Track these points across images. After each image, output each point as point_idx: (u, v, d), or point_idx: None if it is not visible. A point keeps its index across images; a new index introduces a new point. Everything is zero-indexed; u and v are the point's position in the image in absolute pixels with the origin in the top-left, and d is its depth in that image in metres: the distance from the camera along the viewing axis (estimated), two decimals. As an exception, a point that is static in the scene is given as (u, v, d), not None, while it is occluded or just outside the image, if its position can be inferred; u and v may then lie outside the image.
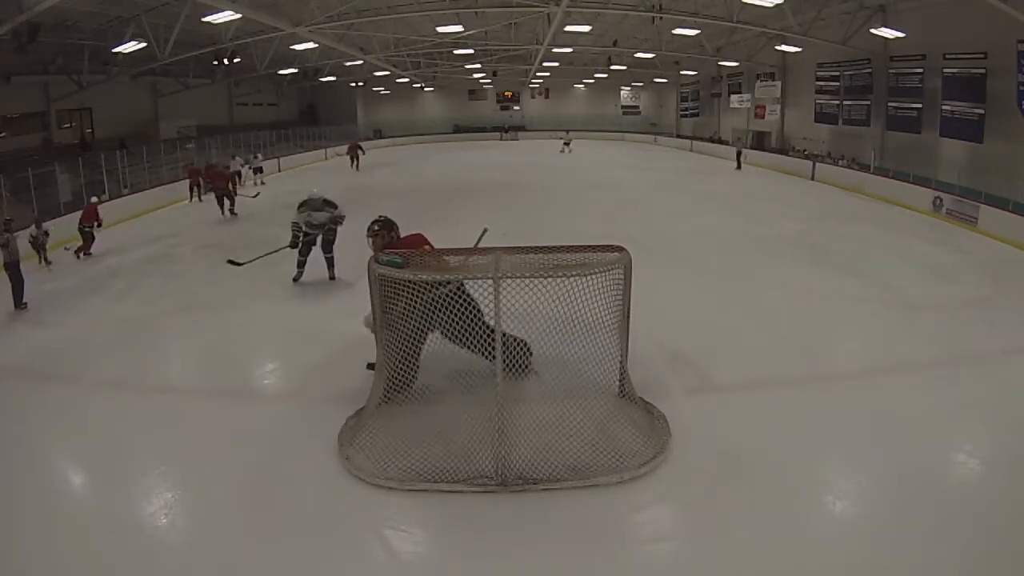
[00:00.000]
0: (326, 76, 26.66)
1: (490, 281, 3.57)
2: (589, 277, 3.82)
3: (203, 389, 4.93)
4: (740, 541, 3.11)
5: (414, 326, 4.04)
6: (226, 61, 18.17)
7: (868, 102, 16.79)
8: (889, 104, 15.95)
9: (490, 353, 3.79)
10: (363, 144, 22.99)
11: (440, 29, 17.11)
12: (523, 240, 4.71)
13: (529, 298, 3.71)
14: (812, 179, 17.69)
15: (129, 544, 3.13)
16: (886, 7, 15.14)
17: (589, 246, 4.02)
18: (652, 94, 33.86)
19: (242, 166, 16.60)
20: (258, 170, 17.98)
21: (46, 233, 8.75)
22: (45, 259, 8.74)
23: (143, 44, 14.21)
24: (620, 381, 4.26)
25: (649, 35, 20.12)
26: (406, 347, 4.10)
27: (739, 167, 20.06)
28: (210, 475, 3.69)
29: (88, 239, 9.53)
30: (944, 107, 13.85)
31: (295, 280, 7.52)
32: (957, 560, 2.98)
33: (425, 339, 4.29)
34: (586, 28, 17.31)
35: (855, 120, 17.52)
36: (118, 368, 5.28)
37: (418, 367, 4.29)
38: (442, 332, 4.23)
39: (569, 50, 22.10)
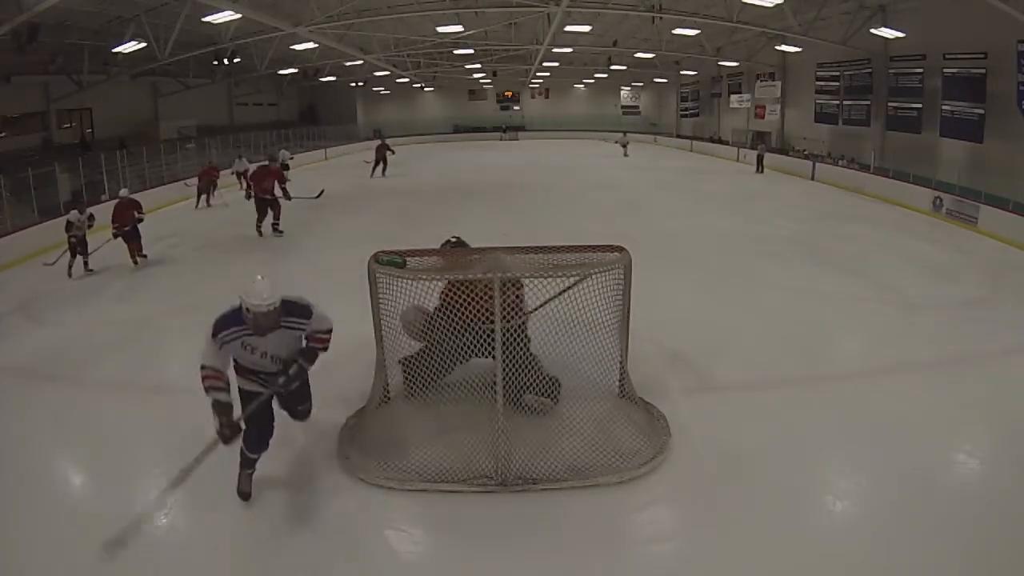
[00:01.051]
0: (326, 76, 26.66)
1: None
2: (589, 277, 3.83)
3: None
4: (740, 541, 3.11)
5: (463, 348, 3.88)
6: (226, 61, 18.18)
7: (868, 102, 16.78)
8: (889, 104, 15.94)
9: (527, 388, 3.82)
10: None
11: (440, 29, 17.12)
12: (523, 240, 4.72)
13: (529, 298, 3.72)
14: (812, 179, 17.69)
15: (129, 544, 3.13)
16: (886, 7, 15.14)
17: (589, 246, 4.02)
18: (652, 94, 33.84)
19: (248, 165, 16.51)
20: (285, 167, 17.97)
21: (91, 218, 7.97)
22: (84, 262, 7.97)
23: (143, 44, 14.21)
24: (620, 381, 4.26)
25: (649, 35, 20.12)
26: (445, 360, 3.99)
27: (761, 171, 19.27)
28: (210, 475, 3.68)
29: (129, 237, 8.35)
30: (944, 107, 13.84)
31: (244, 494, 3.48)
32: (957, 560, 2.98)
33: (466, 360, 4.11)
34: (586, 28, 17.32)
35: (855, 120, 17.52)
36: (118, 368, 5.28)
37: (443, 378, 4.15)
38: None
39: (569, 50, 22.09)
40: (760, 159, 19.61)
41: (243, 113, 26.47)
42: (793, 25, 15.48)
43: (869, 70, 16.53)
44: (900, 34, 14.45)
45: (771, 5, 13.28)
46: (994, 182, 11.48)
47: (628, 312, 4.16)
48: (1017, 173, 11.19)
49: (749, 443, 3.94)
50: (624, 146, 24.53)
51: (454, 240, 4.72)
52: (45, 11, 10.82)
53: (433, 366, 4.00)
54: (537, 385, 4.01)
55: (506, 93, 35.05)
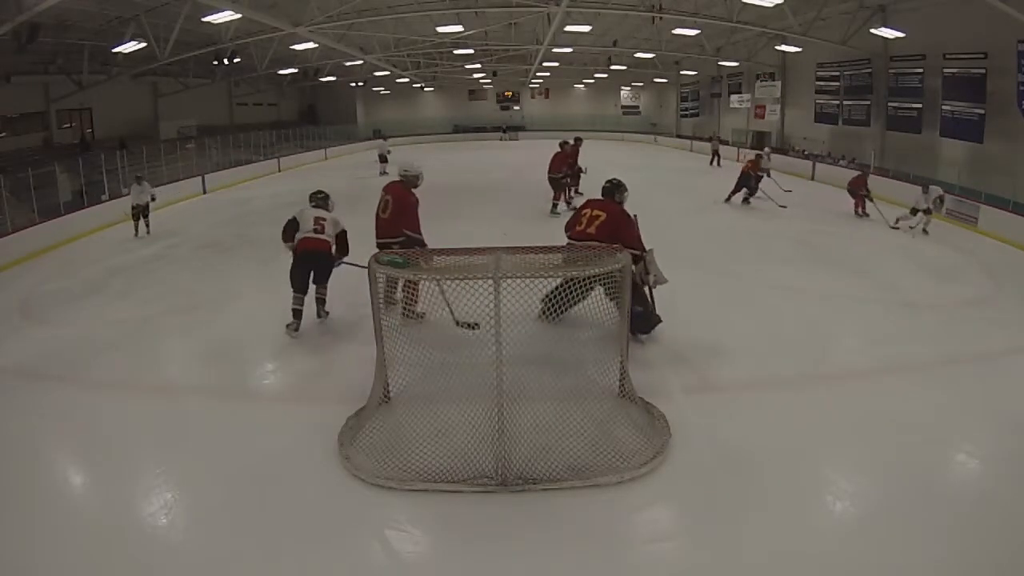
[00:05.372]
0: (326, 76, 26.66)
1: (490, 281, 3.57)
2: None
3: (203, 389, 4.92)
4: (740, 541, 3.11)
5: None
6: (226, 61, 18.19)
7: (868, 102, 16.79)
8: (889, 104, 15.96)
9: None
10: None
11: (440, 29, 17.12)
12: (523, 240, 4.73)
13: (529, 298, 3.72)
14: (812, 179, 17.68)
15: (129, 544, 3.13)
16: (886, 7, 15.15)
17: (589, 246, 4.03)
18: (652, 94, 33.88)
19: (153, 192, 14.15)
20: (383, 159, 18.57)
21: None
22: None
23: (143, 44, 14.23)
24: (620, 381, 4.26)
25: (649, 35, 20.15)
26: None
27: (717, 163, 20.22)
28: (210, 475, 3.69)
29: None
30: (944, 107, 13.86)
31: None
32: (957, 560, 2.97)
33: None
34: (586, 28, 17.33)
35: (855, 120, 17.53)
36: (118, 368, 5.27)
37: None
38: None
39: (569, 50, 22.10)
40: (715, 153, 20.58)
41: (243, 113, 26.50)
42: (793, 25, 15.49)
43: (869, 70, 16.54)
44: (900, 34, 14.46)
45: (771, 5, 13.29)
46: (994, 182, 11.49)
47: (628, 312, 4.16)
48: (1017, 173, 11.21)
49: (749, 443, 3.93)
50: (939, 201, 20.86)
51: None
52: (45, 11, 10.83)
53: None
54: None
55: (506, 93, 35.08)
